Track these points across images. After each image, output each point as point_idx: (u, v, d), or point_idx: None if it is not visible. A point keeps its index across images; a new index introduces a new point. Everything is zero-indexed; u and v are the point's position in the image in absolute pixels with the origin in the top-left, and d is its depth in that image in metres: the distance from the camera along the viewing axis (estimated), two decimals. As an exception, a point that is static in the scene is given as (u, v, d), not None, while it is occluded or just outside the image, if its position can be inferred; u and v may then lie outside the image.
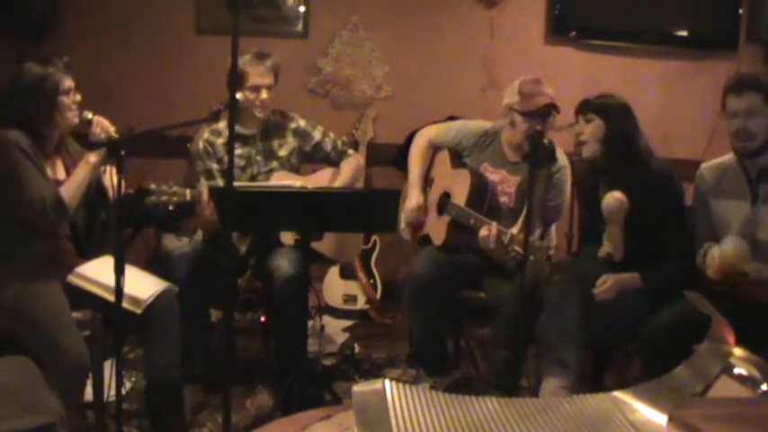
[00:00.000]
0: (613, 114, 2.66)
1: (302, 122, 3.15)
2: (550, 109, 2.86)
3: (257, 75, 2.96)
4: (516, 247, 2.49)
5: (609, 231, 2.62)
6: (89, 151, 2.49)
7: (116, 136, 2.45)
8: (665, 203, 2.61)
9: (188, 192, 2.67)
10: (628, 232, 2.58)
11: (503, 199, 2.97)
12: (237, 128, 3.05)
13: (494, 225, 2.66)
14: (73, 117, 2.48)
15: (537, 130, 2.77)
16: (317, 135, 3.16)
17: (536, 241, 2.39)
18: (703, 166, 2.70)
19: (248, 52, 2.99)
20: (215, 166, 3.02)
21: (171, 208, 2.63)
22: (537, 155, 2.46)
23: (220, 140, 3.03)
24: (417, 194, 3.13)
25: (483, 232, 2.68)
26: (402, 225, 3.16)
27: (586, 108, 2.70)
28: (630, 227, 2.57)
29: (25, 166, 2.35)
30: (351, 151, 3.25)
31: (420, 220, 3.12)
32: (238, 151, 3.05)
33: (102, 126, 2.47)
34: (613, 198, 2.57)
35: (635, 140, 2.67)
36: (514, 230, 2.57)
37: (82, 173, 2.45)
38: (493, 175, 3.00)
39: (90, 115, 2.48)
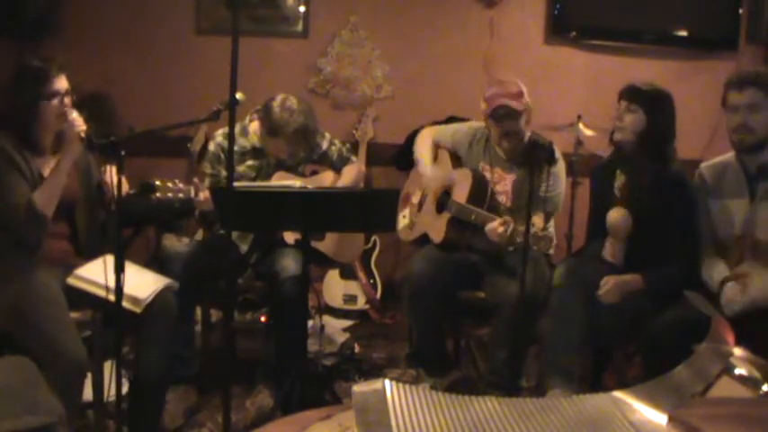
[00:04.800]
0: (659, 111, 2.63)
1: None
2: (506, 111, 2.85)
3: (276, 148, 2.99)
4: (519, 239, 2.50)
5: (611, 243, 2.62)
6: (88, 151, 2.47)
7: (84, 136, 2.37)
8: (676, 204, 2.60)
9: (192, 188, 2.67)
10: (634, 229, 2.58)
11: (500, 197, 2.97)
12: (254, 141, 3.04)
13: (497, 220, 2.67)
14: (62, 119, 2.41)
15: (508, 132, 2.88)
16: (324, 144, 3.17)
17: (539, 231, 2.39)
18: (703, 165, 2.71)
19: (287, 126, 2.89)
20: (224, 173, 2.98)
21: (176, 205, 2.62)
22: (535, 156, 2.45)
23: (235, 148, 3.02)
24: (433, 168, 3.14)
25: (489, 227, 2.68)
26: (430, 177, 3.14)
27: (634, 97, 2.64)
28: (638, 223, 2.57)
29: (5, 170, 2.33)
30: (354, 158, 3.29)
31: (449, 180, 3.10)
32: (250, 162, 3.06)
33: (76, 125, 2.38)
34: (618, 214, 2.58)
35: (668, 139, 2.65)
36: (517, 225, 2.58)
37: (56, 178, 2.38)
38: (489, 174, 3.01)
39: (74, 113, 2.40)
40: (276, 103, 2.92)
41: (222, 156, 3.00)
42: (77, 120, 2.40)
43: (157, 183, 2.57)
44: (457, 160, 3.13)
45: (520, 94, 2.87)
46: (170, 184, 2.60)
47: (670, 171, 2.63)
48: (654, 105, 2.62)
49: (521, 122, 2.89)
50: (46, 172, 2.45)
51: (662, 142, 2.64)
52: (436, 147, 3.23)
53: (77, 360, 2.23)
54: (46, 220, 2.37)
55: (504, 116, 2.86)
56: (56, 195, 2.38)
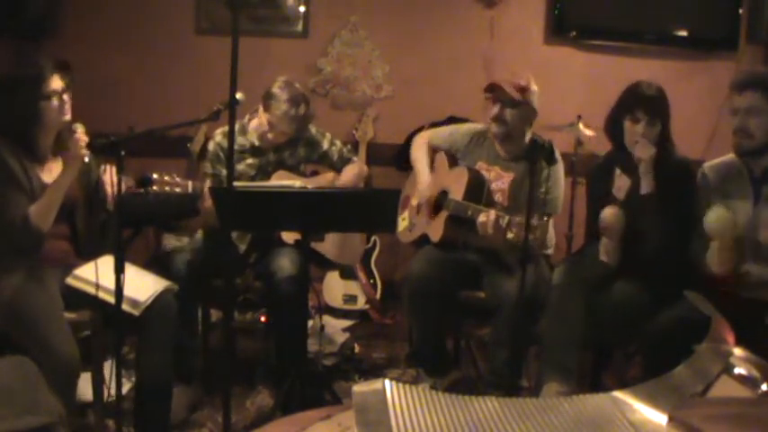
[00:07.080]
0: (667, 114, 2.64)
1: (313, 130, 3.16)
2: (498, 91, 2.88)
3: (271, 125, 2.97)
4: (515, 230, 2.49)
5: (604, 244, 2.61)
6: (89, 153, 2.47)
7: (86, 152, 2.37)
8: (682, 192, 2.59)
9: (189, 183, 2.67)
10: (636, 224, 2.58)
11: (497, 196, 2.97)
12: (253, 140, 3.05)
13: (491, 211, 2.67)
14: (62, 118, 2.41)
15: (497, 116, 2.91)
16: (325, 144, 3.17)
17: (534, 220, 2.38)
18: (706, 165, 2.67)
19: (288, 107, 2.91)
20: (224, 172, 2.96)
21: (172, 199, 2.62)
22: (535, 155, 2.45)
23: (234, 147, 3.01)
24: (428, 175, 3.15)
25: (481, 218, 2.69)
26: (414, 201, 3.17)
27: (656, 111, 2.62)
28: (639, 219, 2.57)
29: (1, 180, 2.32)
30: (355, 158, 3.29)
31: (432, 196, 3.12)
32: (250, 161, 3.06)
33: (81, 143, 2.37)
34: (611, 213, 2.57)
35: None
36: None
37: (55, 193, 2.37)
38: (487, 172, 3.01)
39: (80, 129, 2.39)
40: (278, 78, 2.98)
41: (222, 155, 3.00)
42: (83, 138, 2.38)
43: (155, 176, 2.57)
44: (454, 160, 3.14)
45: (523, 89, 2.87)
46: (167, 178, 2.60)
47: (675, 158, 2.63)
48: (666, 111, 2.64)
49: (514, 114, 2.88)
50: (46, 178, 2.44)
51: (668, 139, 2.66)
52: (433, 151, 3.24)
53: (70, 361, 2.23)
54: (42, 233, 2.37)
55: (494, 96, 2.89)
56: (53, 210, 2.37)
